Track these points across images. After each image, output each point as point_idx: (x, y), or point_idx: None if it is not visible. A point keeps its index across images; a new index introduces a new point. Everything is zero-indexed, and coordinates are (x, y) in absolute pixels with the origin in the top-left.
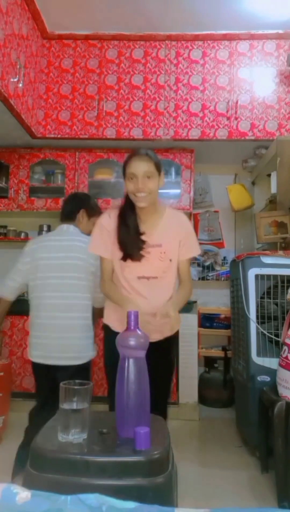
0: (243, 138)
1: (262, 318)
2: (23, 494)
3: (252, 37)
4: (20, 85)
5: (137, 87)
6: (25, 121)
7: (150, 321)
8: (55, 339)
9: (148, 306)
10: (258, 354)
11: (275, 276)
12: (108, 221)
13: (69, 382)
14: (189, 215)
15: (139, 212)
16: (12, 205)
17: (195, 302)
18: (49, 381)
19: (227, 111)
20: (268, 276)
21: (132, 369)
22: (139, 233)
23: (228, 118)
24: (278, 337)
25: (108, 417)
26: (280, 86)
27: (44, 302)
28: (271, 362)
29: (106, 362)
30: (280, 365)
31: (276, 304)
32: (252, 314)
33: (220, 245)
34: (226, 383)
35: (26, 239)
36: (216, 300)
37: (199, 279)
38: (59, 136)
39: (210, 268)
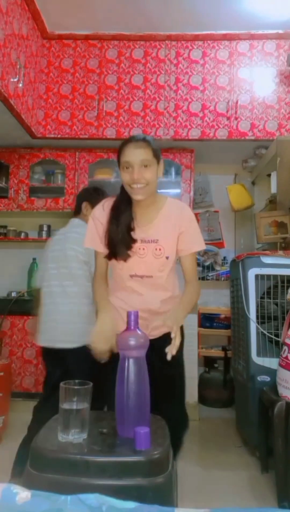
0: (243, 138)
1: (262, 318)
2: (23, 494)
3: (252, 37)
4: (20, 85)
5: (137, 87)
6: (25, 121)
7: (147, 318)
8: (59, 323)
9: (143, 303)
10: (258, 354)
11: (275, 276)
12: (101, 213)
13: (68, 382)
14: None
15: (136, 205)
16: (12, 205)
17: None
18: (60, 368)
19: (227, 111)
20: (268, 276)
21: (132, 369)
22: (129, 230)
23: (228, 118)
24: (278, 337)
25: (108, 417)
26: (280, 86)
27: (47, 290)
28: (271, 362)
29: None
30: (280, 365)
31: (276, 304)
32: (252, 314)
33: (220, 245)
34: (226, 383)
35: (26, 239)
36: (216, 300)
37: (199, 279)
38: (59, 136)
39: (210, 268)
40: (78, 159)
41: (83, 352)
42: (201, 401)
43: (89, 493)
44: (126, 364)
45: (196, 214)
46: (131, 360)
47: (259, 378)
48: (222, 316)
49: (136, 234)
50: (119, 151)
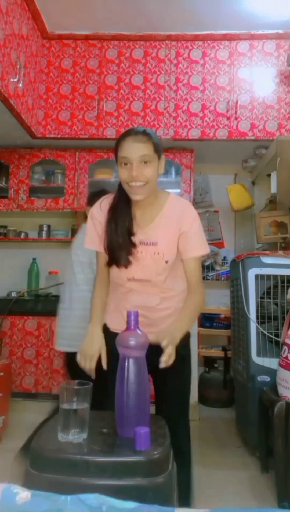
0: (243, 138)
1: (262, 318)
2: (23, 494)
3: (252, 37)
4: (20, 85)
5: (137, 87)
6: (25, 121)
7: (148, 315)
8: (67, 328)
9: (142, 301)
10: (258, 354)
11: (275, 276)
12: (99, 213)
13: (68, 382)
14: None
15: (134, 205)
16: (12, 205)
17: None
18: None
19: (227, 111)
20: (268, 276)
21: (132, 369)
22: (130, 234)
23: (228, 118)
24: (278, 337)
25: (108, 417)
26: (280, 86)
27: (61, 296)
28: (271, 362)
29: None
30: (280, 365)
31: (276, 304)
32: (252, 314)
33: (220, 245)
34: (226, 383)
35: (26, 239)
36: (216, 300)
37: None
38: (59, 136)
39: (210, 268)
40: (78, 159)
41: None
42: (201, 401)
43: (89, 493)
44: (126, 364)
45: None
46: (131, 360)
47: (259, 378)
48: (222, 316)
49: (135, 237)
50: (116, 145)
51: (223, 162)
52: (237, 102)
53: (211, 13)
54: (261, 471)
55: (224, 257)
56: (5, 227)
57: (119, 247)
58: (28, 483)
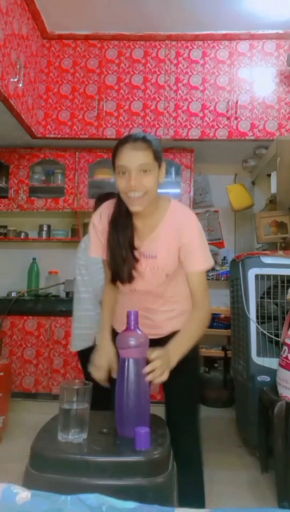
0: (243, 138)
1: (262, 318)
2: (23, 494)
3: (252, 37)
4: (20, 85)
5: (137, 87)
6: (25, 121)
7: (151, 317)
8: (77, 329)
9: (144, 303)
10: (258, 354)
11: (275, 276)
12: (99, 222)
13: (68, 381)
14: None
15: (135, 215)
16: (12, 205)
17: None
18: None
19: (227, 111)
20: (268, 276)
21: (132, 369)
22: (133, 248)
23: (228, 118)
24: (278, 337)
25: (108, 417)
26: (280, 86)
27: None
28: (271, 362)
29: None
30: (280, 365)
31: (276, 304)
32: (252, 314)
33: (220, 245)
34: (226, 383)
35: (26, 239)
36: (216, 300)
37: None
38: (59, 136)
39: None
40: (78, 159)
41: (85, 355)
42: (201, 401)
43: (89, 493)
44: (126, 364)
45: (196, 214)
46: (131, 360)
47: (259, 378)
48: (222, 316)
49: (137, 250)
50: (114, 152)
51: (223, 162)
52: (237, 102)
53: (211, 13)
54: (261, 471)
55: (224, 257)
56: (5, 227)
57: (123, 262)
58: (28, 483)
